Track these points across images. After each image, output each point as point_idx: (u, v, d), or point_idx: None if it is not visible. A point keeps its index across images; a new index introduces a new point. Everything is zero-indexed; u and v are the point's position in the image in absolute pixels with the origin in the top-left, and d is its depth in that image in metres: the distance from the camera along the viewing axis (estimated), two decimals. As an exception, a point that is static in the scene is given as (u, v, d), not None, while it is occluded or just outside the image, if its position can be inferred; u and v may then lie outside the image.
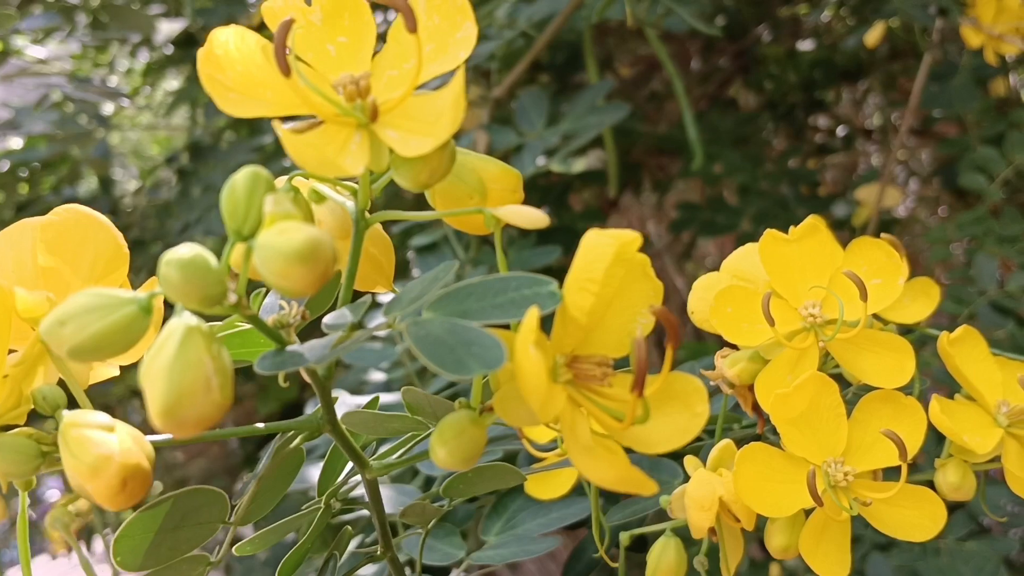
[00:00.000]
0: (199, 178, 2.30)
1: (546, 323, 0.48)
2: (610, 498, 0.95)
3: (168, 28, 2.61)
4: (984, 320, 1.59)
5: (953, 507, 1.37)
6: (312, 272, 0.40)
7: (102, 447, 0.43)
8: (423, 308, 0.47)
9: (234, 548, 0.65)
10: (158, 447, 0.47)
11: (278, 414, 2.47)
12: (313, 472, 0.99)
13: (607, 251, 0.46)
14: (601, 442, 0.48)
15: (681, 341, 0.48)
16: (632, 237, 0.48)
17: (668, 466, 0.94)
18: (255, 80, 0.49)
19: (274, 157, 2.17)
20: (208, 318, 0.44)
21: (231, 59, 0.49)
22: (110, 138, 2.66)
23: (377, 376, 1.52)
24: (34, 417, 0.53)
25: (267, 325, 0.47)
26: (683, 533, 0.81)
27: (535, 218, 0.50)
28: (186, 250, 0.40)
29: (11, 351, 0.51)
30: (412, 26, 0.47)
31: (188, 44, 2.52)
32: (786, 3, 2.76)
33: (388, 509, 0.76)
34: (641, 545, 0.88)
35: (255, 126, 2.39)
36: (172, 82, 3.12)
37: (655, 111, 2.78)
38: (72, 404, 0.50)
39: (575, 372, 0.50)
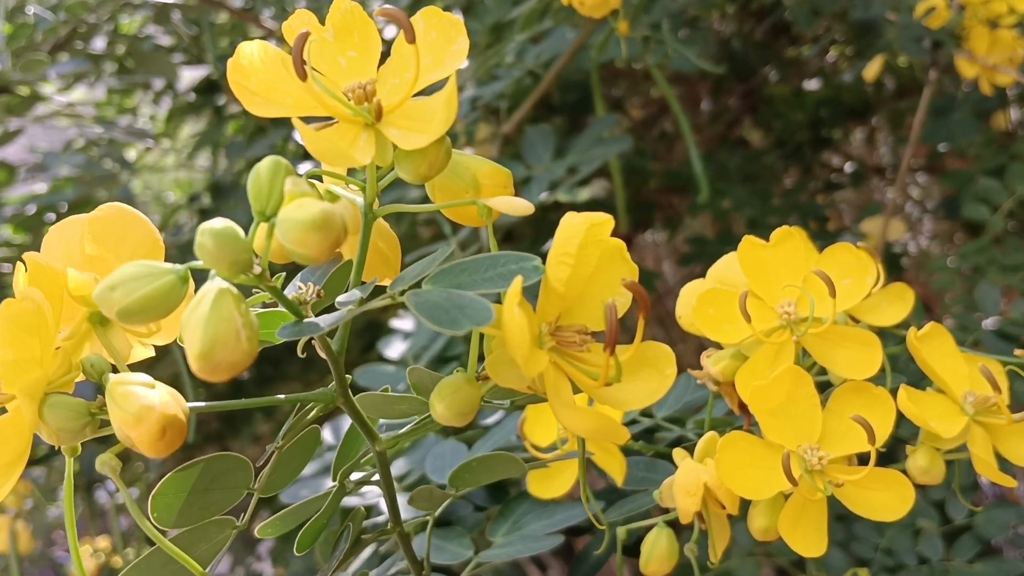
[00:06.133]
0: (220, 215, 2.35)
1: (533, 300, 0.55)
2: (610, 500, 1.00)
3: (190, 76, 2.70)
4: (988, 346, 1.60)
5: (961, 529, 1.40)
6: (326, 239, 0.46)
7: (145, 399, 0.50)
8: (424, 282, 0.53)
9: (256, 531, 0.71)
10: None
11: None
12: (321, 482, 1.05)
13: (580, 229, 0.53)
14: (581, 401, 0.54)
15: (650, 313, 0.54)
16: (603, 219, 0.54)
17: (663, 467, 0.99)
18: (276, 87, 0.56)
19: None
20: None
21: (255, 68, 0.56)
22: (132, 185, 2.73)
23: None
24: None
25: (287, 298, 0.54)
26: (675, 526, 0.86)
27: (522, 207, 0.56)
28: (218, 222, 0.47)
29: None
30: (411, 38, 0.54)
31: (209, 91, 2.60)
32: (792, 44, 2.83)
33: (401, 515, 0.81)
34: (638, 550, 0.93)
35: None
36: (194, 127, 3.21)
37: (665, 150, 2.83)
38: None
39: (558, 339, 0.56)
